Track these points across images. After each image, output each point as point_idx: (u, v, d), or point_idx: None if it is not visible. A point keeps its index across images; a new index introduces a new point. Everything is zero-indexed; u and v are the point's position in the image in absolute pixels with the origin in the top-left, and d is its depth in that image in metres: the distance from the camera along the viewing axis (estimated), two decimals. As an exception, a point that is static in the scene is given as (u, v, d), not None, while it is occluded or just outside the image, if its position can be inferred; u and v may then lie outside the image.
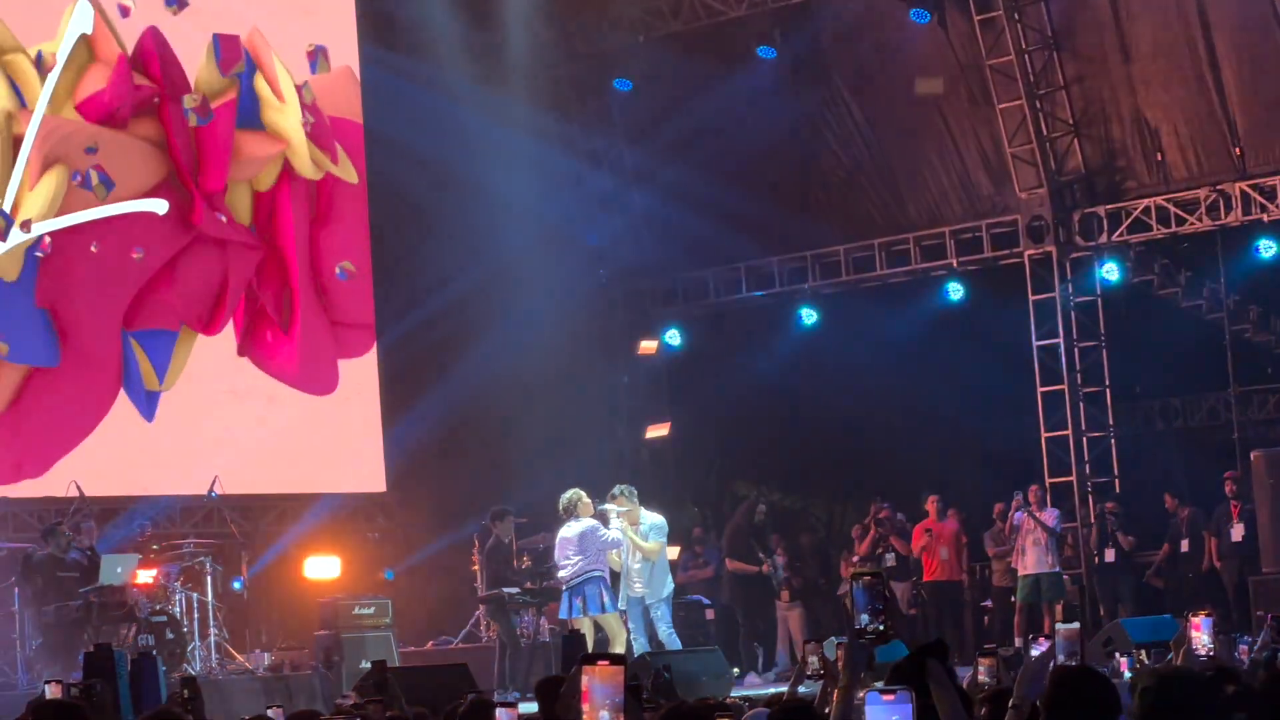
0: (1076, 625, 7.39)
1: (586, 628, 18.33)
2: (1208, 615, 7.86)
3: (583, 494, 18.97)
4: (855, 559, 23.98)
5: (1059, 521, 22.77)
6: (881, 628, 6.22)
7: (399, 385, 24.36)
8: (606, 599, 18.50)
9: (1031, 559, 22.67)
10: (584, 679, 5.47)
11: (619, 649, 18.10)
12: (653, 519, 19.42)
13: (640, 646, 18.87)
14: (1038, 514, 22.55)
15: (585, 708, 5.47)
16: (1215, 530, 22.80)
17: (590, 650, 17.74)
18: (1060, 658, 7.38)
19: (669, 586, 19.55)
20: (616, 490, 19.42)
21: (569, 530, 18.74)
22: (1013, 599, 23.10)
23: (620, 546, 19.00)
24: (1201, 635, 7.81)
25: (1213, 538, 22.79)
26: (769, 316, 27.03)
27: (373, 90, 24.27)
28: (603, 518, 18.94)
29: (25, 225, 20.62)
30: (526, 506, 21.99)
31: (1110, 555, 23.12)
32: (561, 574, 18.80)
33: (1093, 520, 23.89)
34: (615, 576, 19.21)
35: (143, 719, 8.97)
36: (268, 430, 22.95)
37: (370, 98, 24.26)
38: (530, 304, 25.57)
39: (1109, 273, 24.39)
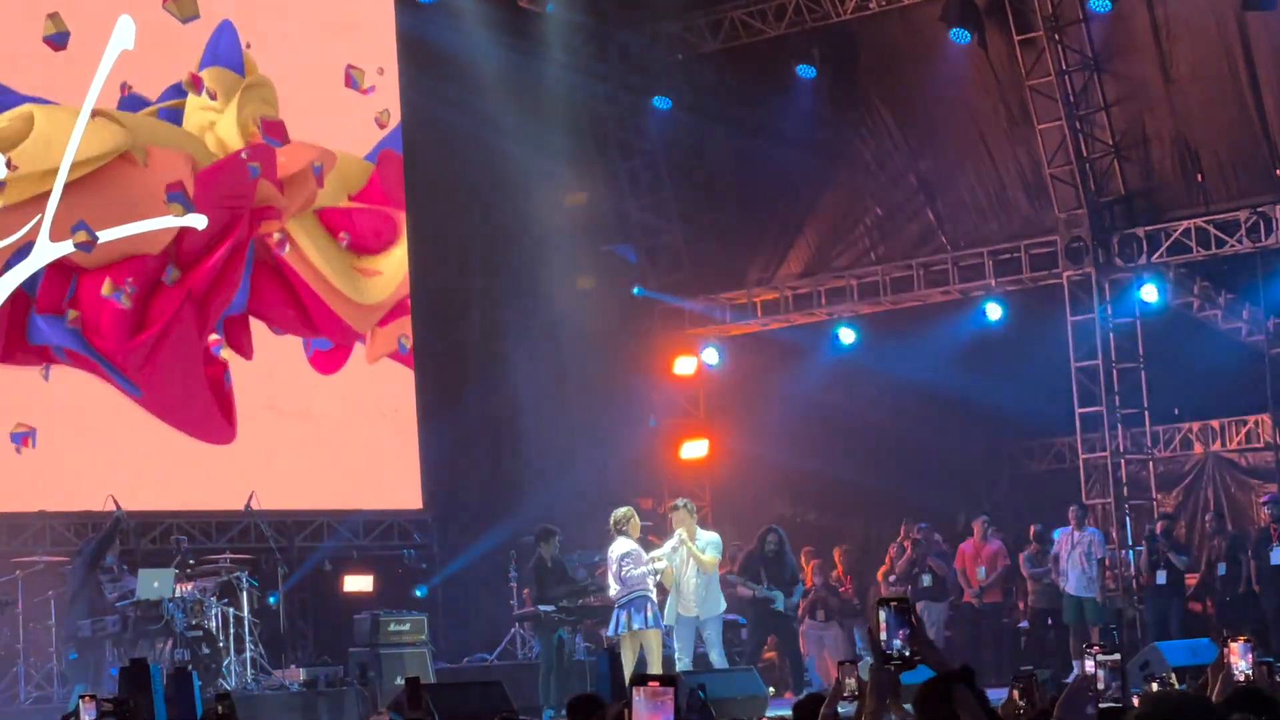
0: (1117, 656, 7.33)
1: (628, 645, 18.27)
2: (1245, 640, 7.77)
3: (634, 513, 18.94)
4: (891, 579, 23.88)
5: (1103, 547, 22.69)
6: (908, 653, 6.22)
7: (436, 403, 24.36)
8: (651, 614, 18.43)
9: (1073, 581, 22.60)
10: (634, 698, 5.46)
11: (655, 666, 18.05)
12: (709, 536, 19.37)
13: (684, 666, 18.80)
14: (1079, 534, 22.53)
15: None
16: (1254, 554, 22.68)
17: (629, 667, 17.76)
18: (1102, 687, 7.31)
19: (722, 604, 19.47)
20: (679, 504, 19.35)
21: (617, 548, 18.67)
22: (1049, 622, 23.05)
23: (658, 575, 18.89)
24: (1238, 660, 7.72)
25: (1252, 561, 22.67)
26: (807, 336, 26.99)
27: (411, 107, 24.32)
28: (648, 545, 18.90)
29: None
30: (563, 525, 21.94)
31: (1162, 578, 22.96)
32: (610, 592, 18.78)
33: (1132, 542, 23.79)
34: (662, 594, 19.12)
35: None
36: (305, 446, 23.00)
37: (409, 115, 24.31)
38: (568, 323, 25.58)
39: (1148, 294, 24.29)
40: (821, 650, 23.50)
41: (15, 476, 20.58)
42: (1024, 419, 25.77)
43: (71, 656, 18.62)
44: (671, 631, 19.16)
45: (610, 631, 18.70)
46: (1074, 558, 22.57)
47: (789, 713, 10.33)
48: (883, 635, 6.25)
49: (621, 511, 18.90)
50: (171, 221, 21.48)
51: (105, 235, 21.06)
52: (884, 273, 26.00)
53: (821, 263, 26.47)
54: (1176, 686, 10.21)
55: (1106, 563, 23.04)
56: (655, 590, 18.71)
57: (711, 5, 25.78)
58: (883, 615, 6.26)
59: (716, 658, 19.13)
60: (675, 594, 19.03)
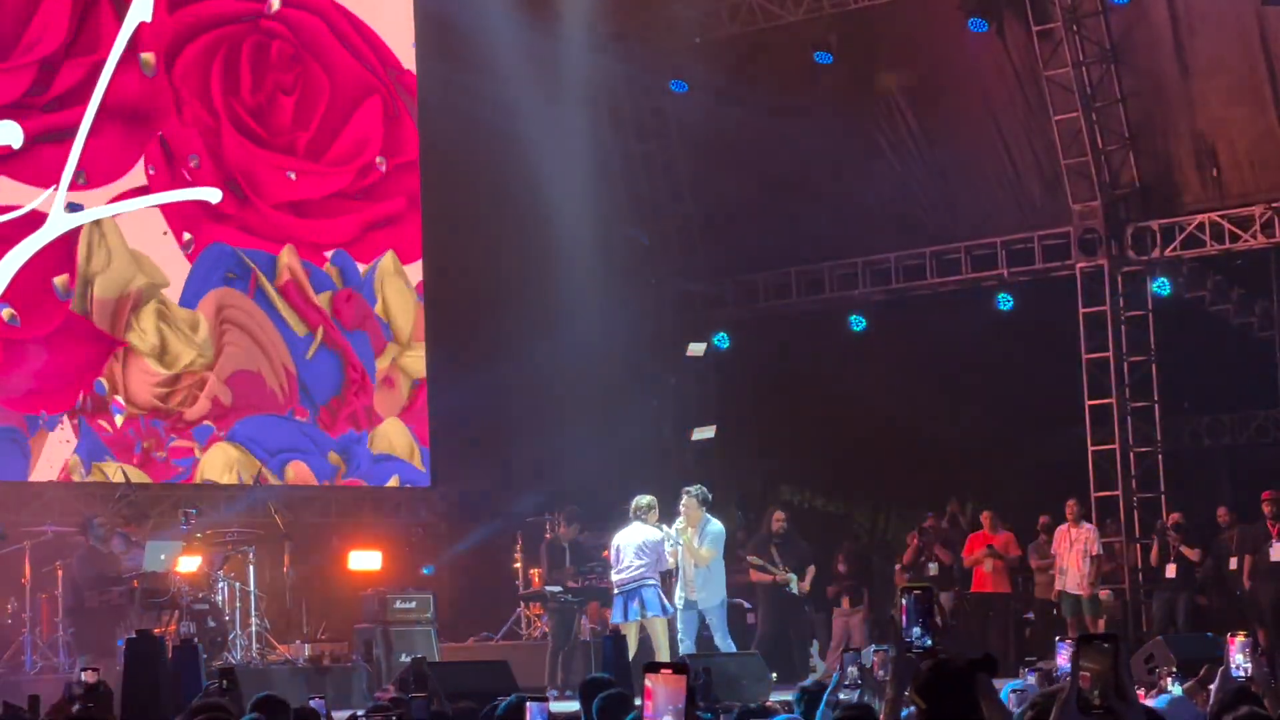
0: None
1: (632, 632, 18.25)
2: (1245, 636, 7.80)
3: (655, 503, 18.79)
4: (898, 567, 23.91)
5: (1098, 543, 22.61)
6: (929, 642, 6.25)
7: (445, 381, 24.39)
8: (664, 601, 18.41)
9: (1070, 578, 22.55)
10: (647, 684, 5.50)
11: (662, 654, 18.00)
12: (713, 527, 19.15)
13: (687, 649, 18.77)
14: (1075, 530, 22.48)
15: (648, 714, 5.49)
16: (1252, 549, 22.60)
17: (631, 652, 17.75)
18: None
19: (722, 594, 19.35)
20: (689, 490, 19.14)
21: (634, 535, 18.55)
22: (1055, 613, 23.04)
23: (667, 568, 18.83)
24: (1235, 656, 7.76)
25: (1248, 555, 22.57)
26: (818, 322, 26.97)
27: (428, 87, 24.35)
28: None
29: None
30: (571, 506, 21.93)
31: (1171, 571, 22.91)
32: (616, 576, 18.63)
33: (1139, 534, 23.79)
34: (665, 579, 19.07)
35: (193, 706, 8.97)
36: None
37: (425, 95, 24.34)
38: (580, 304, 25.56)
39: (1160, 288, 24.28)
40: (843, 636, 23.52)
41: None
42: (1033, 410, 25.74)
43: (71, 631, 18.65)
44: (677, 616, 19.11)
45: (617, 618, 18.59)
46: (1072, 555, 22.52)
47: (789, 697, 10.35)
48: (903, 623, 6.28)
49: (645, 500, 18.77)
50: (168, 196, 21.75)
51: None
52: (896, 260, 25.98)
53: (834, 248, 26.41)
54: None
55: (1102, 559, 22.94)
56: (660, 578, 18.62)
57: (730, -11, 25.76)
58: (904, 603, 6.29)
59: (721, 641, 19.07)
60: (679, 581, 18.99)
